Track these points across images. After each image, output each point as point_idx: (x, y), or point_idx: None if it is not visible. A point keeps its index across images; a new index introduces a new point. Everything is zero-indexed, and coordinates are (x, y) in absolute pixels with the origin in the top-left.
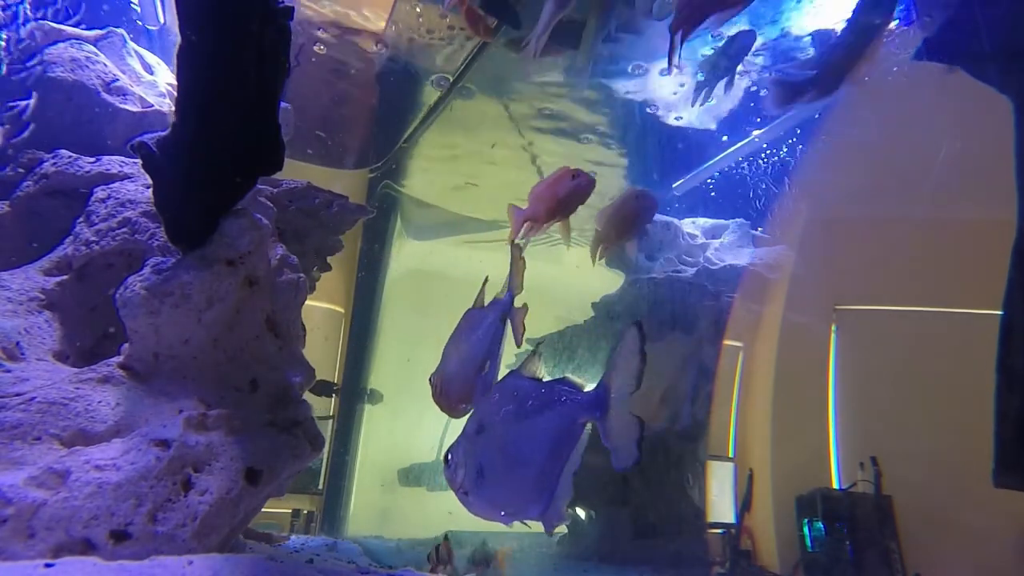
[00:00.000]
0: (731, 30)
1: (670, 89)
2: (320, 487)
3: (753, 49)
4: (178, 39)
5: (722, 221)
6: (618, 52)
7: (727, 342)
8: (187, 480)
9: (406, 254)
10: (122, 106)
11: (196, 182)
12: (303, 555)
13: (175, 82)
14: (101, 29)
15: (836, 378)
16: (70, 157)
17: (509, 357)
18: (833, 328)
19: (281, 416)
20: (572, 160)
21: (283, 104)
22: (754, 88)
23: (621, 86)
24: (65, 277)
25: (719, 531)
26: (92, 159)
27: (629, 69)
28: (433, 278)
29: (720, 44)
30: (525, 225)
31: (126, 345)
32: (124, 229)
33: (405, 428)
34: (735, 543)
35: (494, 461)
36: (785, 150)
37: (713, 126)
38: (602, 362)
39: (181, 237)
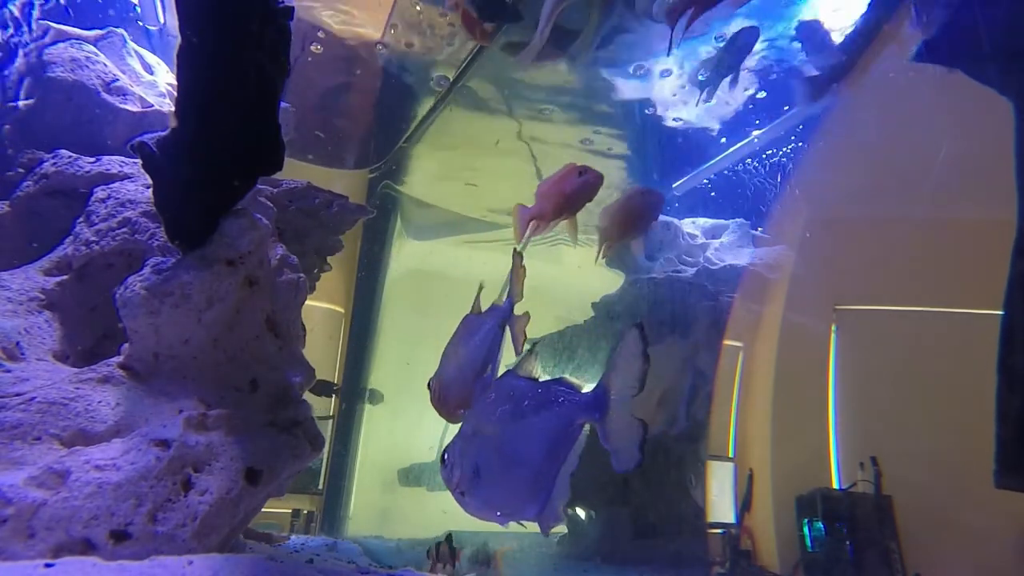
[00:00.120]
0: (734, 27)
1: (671, 90)
2: (320, 487)
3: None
4: (178, 39)
5: (722, 221)
6: (619, 53)
7: (727, 342)
8: (187, 480)
9: (406, 254)
10: (122, 106)
11: (196, 182)
12: (303, 555)
13: (175, 82)
14: (101, 29)
15: (836, 378)
16: (70, 157)
17: (509, 363)
18: (833, 328)
19: (281, 416)
20: (573, 160)
21: (283, 104)
22: (757, 93)
23: (622, 86)
24: (65, 277)
25: (719, 531)
26: (92, 159)
27: (631, 70)
28: (433, 278)
29: (723, 43)
30: (531, 224)
31: (126, 345)
32: (124, 229)
33: (405, 428)
34: (735, 543)
35: (490, 461)
36: (786, 149)
37: (716, 126)
38: (602, 362)
39: (181, 237)
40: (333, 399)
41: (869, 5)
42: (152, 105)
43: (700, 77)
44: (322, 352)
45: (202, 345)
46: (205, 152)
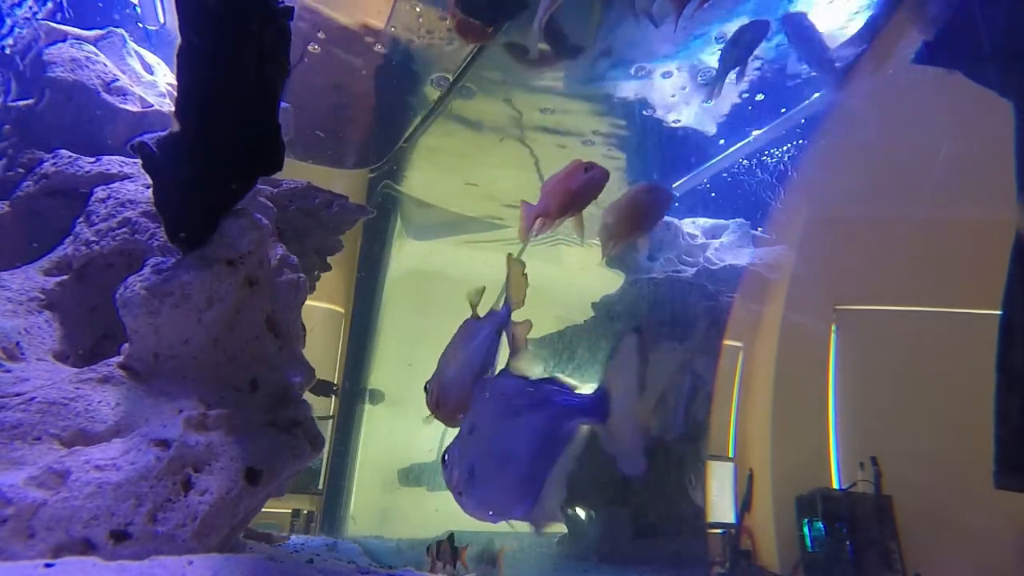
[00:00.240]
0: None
1: (671, 90)
2: (320, 487)
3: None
4: (178, 39)
5: (722, 221)
6: (620, 54)
7: (727, 342)
8: (187, 480)
9: (406, 254)
10: (122, 106)
11: (196, 182)
12: (303, 555)
13: (175, 82)
14: (101, 29)
15: (836, 378)
16: (70, 157)
17: None
18: (833, 328)
19: (281, 416)
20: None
21: (283, 104)
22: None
23: (623, 87)
24: (65, 277)
25: (719, 531)
26: (92, 159)
27: (632, 71)
28: (433, 278)
29: (730, 37)
30: (537, 221)
31: (126, 345)
32: (124, 229)
33: (405, 428)
34: (735, 543)
35: (483, 460)
36: (787, 147)
37: (712, 129)
38: (602, 362)
39: (181, 237)
40: (333, 399)
41: (869, 5)
42: (152, 105)
43: (700, 79)
44: (322, 352)
45: (202, 345)
46: (205, 152)
